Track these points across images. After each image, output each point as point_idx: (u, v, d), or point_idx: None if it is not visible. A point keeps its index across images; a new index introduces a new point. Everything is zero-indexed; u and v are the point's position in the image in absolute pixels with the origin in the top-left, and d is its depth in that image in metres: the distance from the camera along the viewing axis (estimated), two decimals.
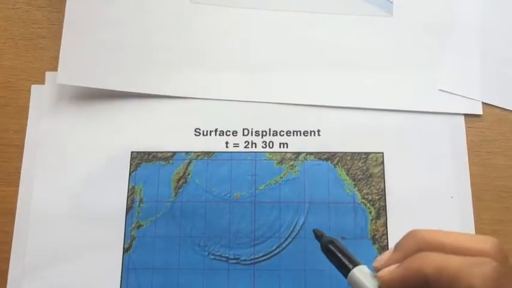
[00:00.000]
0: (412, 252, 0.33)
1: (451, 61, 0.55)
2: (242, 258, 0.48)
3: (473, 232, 0.49)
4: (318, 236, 0.40)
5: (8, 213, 0.50)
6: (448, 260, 0.32)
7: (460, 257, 0.32)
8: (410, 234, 0.35)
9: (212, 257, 0.48)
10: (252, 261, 0.48)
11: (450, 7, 0.56)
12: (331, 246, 0.38)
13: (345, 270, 0.36)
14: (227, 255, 0.48)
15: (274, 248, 0.49)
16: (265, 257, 0.48)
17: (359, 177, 0.51)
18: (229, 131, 0.52)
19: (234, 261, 0.48)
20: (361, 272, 0.35)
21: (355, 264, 0.36)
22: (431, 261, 0.32)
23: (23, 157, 0.51)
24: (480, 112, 0.53)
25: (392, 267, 0.34)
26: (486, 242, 0.33)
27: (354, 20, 0.56)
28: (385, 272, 0.34)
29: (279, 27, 0.56)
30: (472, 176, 0.51)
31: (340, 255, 0.37)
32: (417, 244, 0.34)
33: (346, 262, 0.36)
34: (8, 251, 0.49)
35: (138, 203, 0.50)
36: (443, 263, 0.31)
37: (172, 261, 0.48)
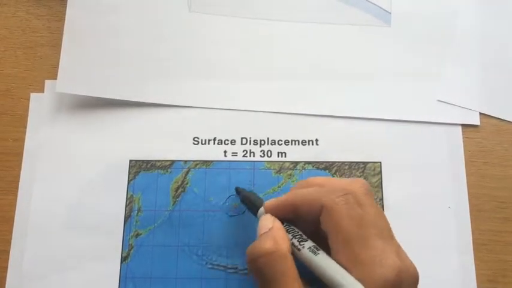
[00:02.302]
0: None
1: (449, 72, 0.55)
2: (240, 267, 0.48)
3: (471, 243, 0.49)
4: (238, 191, 0.48)
5: (6, 221, 0.50)
6: (311, 191, 0.39)
7: (321, 188, 0.39)
8: (305, 180, 0.43)
9: (210, 266, 0.48)
10: None
11: (448, 18, 0.57)
12: (245, 196, 0.47)
13: (256, 210, 0.43)
14: (225, 265, 0.48)
15: None
16: None
17: None
18: (228, 140, 0.52)
19: (232, 270, 0.48)
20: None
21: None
22: (300, 193, 0.40)
23: (22, 166, 0.51)
24: (478, 123, 0.53)
25: (275, 198, 0.41)
26: (352, 181, 0.40)
27: (352, 30, 0.56)
28: (268, 201, 0.42)
29: (278, 37, 0.56)
30: (470, 186, 0.51)
31: (251, 200, 0.45)
32: (304, 186, 0.42)
33: (256, 204, 0.44)
34: (6, 260, 0.49)
35: (136, 211, 0.50)
36: (306, 193, 0.39)
37: (170, 271, 0.48)
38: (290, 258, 0.36)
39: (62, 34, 0.55)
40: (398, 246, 0.36)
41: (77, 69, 0.54)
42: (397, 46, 0.56)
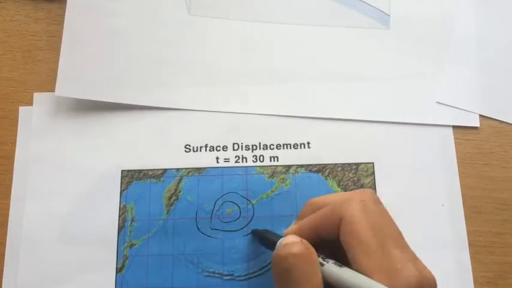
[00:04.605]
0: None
1: (448, 74, 0.54)
2: (236, 274, 0.48)
3: (466, 241, 0.49)
4: (254, 232, 0.49)
5: (2, 225, 0.50)
6: (328, 208, 0.39)
7: (335, 203, 0.39)
8: (306, 204, 0.43)
9: (206, 274, 0.48)
10: (247, 277, 0.48)
11: (447, 20, 0.56)
12: (262, 234, 0.47)
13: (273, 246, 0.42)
14: (221, 272, 0.48)
15: (268, 262, 0.48)
16: (259, 272, 0.48)
17: (350, 188, 0.51)
18: (220, 146, 0.52)
19: (229, 277, 0.48)
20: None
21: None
22: (317, 215, 0.40)
23: (13, 177, 0.52)
24: (477, 124, 0.53)
25: (292, 226, 0.41)
26: (361, 192, 0.40)
27: (351, 32, 0.56)
28: (288, 229, 0.41)
29: (275, 39, 0.55)
30: (470, 188, 0.51)
31: (268, 237, 0.45)
32: (311, 208, 0.41)
33: (273, 240, 0.43)
34: (1, 270, 0.49)
35: (130, 222, 0.50)
36: (323, 212, 0.39)
37: (166, 280, 0.48)
38: (318, 265, 0.36)
39: (61, 38, 0.54)
40: (414, 255, 0.36)
41: (76, 72, 0.54)
42: (396, 48, 0.55)
